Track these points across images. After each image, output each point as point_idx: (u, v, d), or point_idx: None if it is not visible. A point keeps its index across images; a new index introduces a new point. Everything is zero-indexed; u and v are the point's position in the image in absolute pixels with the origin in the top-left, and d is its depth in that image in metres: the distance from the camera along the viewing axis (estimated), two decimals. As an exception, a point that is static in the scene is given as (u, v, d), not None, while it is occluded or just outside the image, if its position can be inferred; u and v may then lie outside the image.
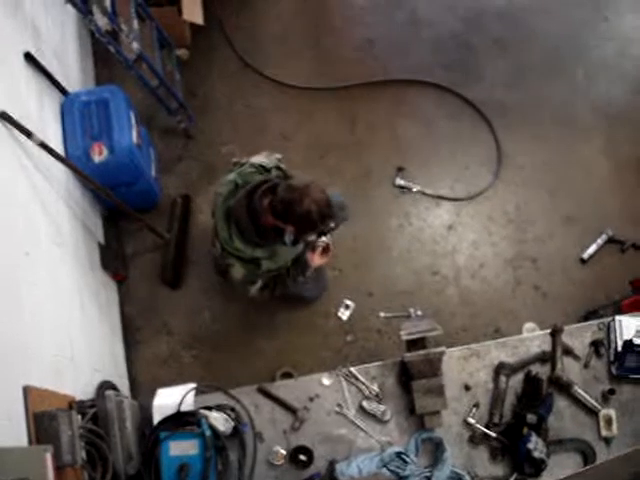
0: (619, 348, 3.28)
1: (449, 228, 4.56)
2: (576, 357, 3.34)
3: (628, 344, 3.27)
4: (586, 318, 4.19)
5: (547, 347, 3.32)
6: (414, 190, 4.59)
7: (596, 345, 3.37)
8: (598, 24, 5.28)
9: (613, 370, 3.30)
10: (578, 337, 3.39)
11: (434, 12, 5.14)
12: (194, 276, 4.29)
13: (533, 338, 3.40)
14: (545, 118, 4.90)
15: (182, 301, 4.24)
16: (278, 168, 3.27)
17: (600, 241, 4.52)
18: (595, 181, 4.72)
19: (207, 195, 4.39)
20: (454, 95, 4.89)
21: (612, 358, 3.31)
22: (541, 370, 3.26)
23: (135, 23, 3.78)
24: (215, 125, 4.64)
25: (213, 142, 4.58)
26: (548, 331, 3.36)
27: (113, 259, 4.07)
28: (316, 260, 3.43)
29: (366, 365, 3.28)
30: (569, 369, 3.28)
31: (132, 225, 4.27)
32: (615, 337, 3.32)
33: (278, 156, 3.36)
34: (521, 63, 5.04)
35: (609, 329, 3.38)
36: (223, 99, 4.72)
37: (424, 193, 4.60)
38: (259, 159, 3.22)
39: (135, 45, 3.67)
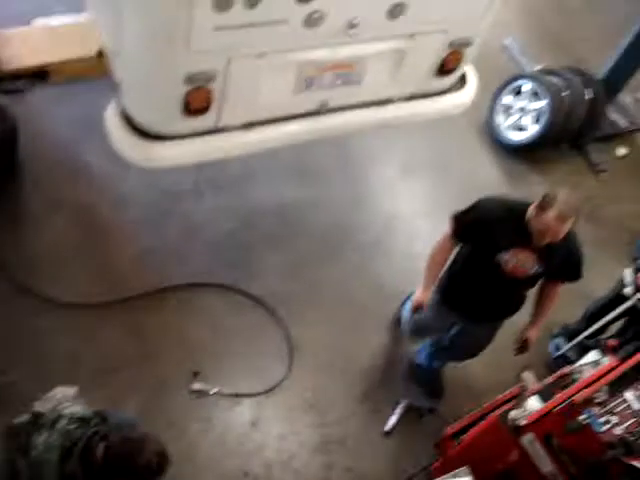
0: None
1: (253, 425, 4.49)
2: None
3: None
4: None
5: (369, 529, 3.31)
6: (212, 392, 4.51)
7: (414, 517, 3.40)
8: (360, 209, 5.75)
9: None
10: (396, 512, 3.41)
11: (207, 216, 5.32)
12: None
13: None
14: (328, 302, 5.13)
15: None
16: (96, 413, 3.18)
17: (399, 410, 4.66)
18: (379, 355, 4.94)
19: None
20: (238, 292, 5.00)
21: None
22: None
23: None
24: (-9, 357, 4.36)
25: (-9, 375, 4.28)
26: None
27: None
28: None
29: None
30: None
31: None
32: None
33: (71, 391, 3.29)
34: (298, 253, 5.30)
35: None
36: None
37: (223, 394, 4.54)
38: (73, 410, 3.13)
39: None
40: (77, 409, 3.15)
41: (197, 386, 4.51)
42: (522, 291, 4.03)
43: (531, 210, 3.55)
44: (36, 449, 2.98)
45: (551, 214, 3.40)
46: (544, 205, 3.45)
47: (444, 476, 3.56)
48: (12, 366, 4.32)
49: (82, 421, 3.08)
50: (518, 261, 3.69)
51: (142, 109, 3.77)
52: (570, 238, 3.69)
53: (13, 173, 5.11)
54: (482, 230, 3.75)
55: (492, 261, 3.72)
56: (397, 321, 5.00)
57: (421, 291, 4.02)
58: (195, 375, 4.54)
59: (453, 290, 4.08)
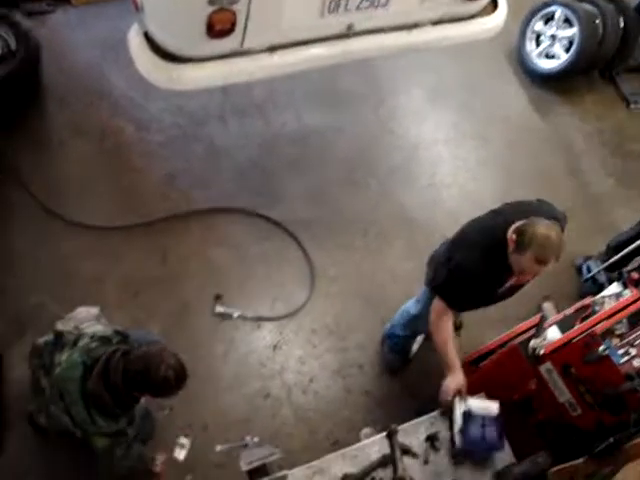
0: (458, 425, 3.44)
1: (274, 348, 4.57)
2: (414, 455, 3.40)
3: (467, 414, 3.44)
4: (418, 414, 4.29)
5: (386, 450, 3.36)
6: (235, 315, 4.58)
7: (432, 439, 3.47)
8: (384, 136, 5.70)
9: (458, 444, 3.44)
10: (413, 435, 3.48)
11: (231, 141, 5.31)
12: (14, 438, 3.94)
13: (371, 444, 3.44)
14: (350, 229, 5.14)
15: (3, 466, 3.86)
16: (117, 332, 3.29)
17: (419, 339, 4.68)
18: (402, 283, 4.93)
19: (19, 349, 4.11)
20: (260, 217, 5.02)
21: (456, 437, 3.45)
22: (384, 474, 3.29)
23: None
24: (20, 276, 4.42)
25: (19, 295, 4.35)
26: (384, 434, 3.42)
27: None
28: None
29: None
30: (410, 468, 3.32)
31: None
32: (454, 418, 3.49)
33: (94, 311, 3.35)
34: (321, 180, 5.30)
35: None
36: (26, 248, 4.53)
37: (245, 317, 4.61)
38: (95, 329, 3.19)
39: None
40: (99, 328, 3.22)
41: (220, 309, 4.57)
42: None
43: (509, 241, 3.20)
44: (59, 366, 3.06)
45: (527, 256, 3.09)
46: (519, 245, 3.12)
47: (473, 398, 3.60)
48: (39, 287, 4.40)
49: (104, 339, 3.15)
50: (517, 279, 3.45)
51: (166, 32, 3.71)
52: None
53: (37, 95, 5.10)
54: (474, 289, 3.42)
55: (495, 293, 3.54)
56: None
57: (455, 375, 3.57)
58: (218, 298, 4.61)
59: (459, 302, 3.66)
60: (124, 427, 3.20)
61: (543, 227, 3.09)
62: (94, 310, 3.47)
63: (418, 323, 4.14)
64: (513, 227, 3.20)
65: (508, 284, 3.49)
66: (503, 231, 3.24)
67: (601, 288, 4.74)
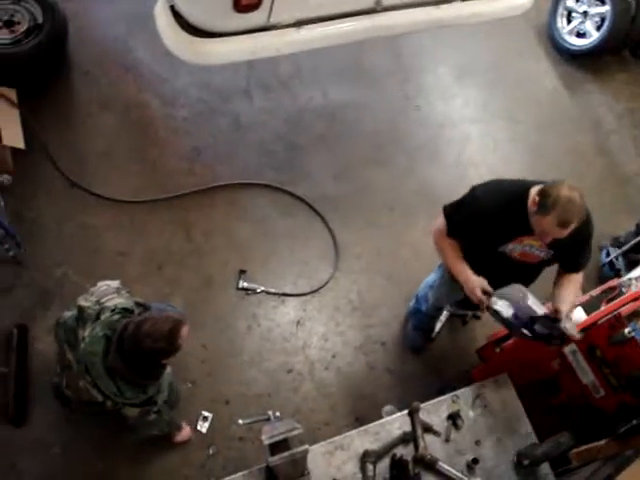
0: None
1: (297, 324, 4.59)
2: (436, 433, 3.41)
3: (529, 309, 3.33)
4: (440, 392, 4.29)
5: (407, 427, 3.37)
6: (258, 291, 4.60)
7: (453, 418, 3.47)
8: (411, 113, 5.66)
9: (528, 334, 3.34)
10: (435, 413, 3.49)
11: (256, 117, 5.29)
12: (39, 409, 4.00)
13: (393, 421, 3.44)
14: (374, 206, 5.12)
15: (29, 438, 3.93)
16: (138, 304, 3.33)
17: (443, 318, 4.68)
18: (424, 258, 4.85)
19: (43, 322, 4.18)
20: (285, 193, 5.01)
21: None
22: (405, 452, 3.30)
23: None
24: (46, 249, 4.46)
25: (45, 266, 4.39)
26: (406, 411, 3.43)
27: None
28: None
29: (232, 477, 3.18)
30: (431, 446, 3.34)
31: (-36, 364, 3.98)
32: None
33: (114, 284, 3.38)
34: (346, 156, 5.27)
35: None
36: (52, 221, 4.56)
37: (268, 292, 4.62)
38: (116, 301, 3.21)
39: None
40: (120, 301, 3.23)
41: (243, 284, 4.59)
42: (539, 271, 3.70)
43: (531, 203, 3.16)
44: (84, 342, 3.09)
45: (550, 219, 3.04)
46: (542, 207, 3.07)
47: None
48: (64, 261, 4.44)
49: (125, 311, 3.17)
50: (524, 247, 3.39)
51: (192, 6, 3.69)
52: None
53: (63, 68, 5.11)
54: (477, 225, 3.37)
55: (495, 251, 3.43)
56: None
57: (469, 280, 3.47)
58: (242, 273, 4.62)
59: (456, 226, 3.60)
60: (153, 396, 3.25)
61: (566, 189, 3.06)
62: (115, 283, 3.49)
63: (433, 295, 4.18)
64: (536, 189, 3.18)
65: (510, 246, 3.40)
66: (524, 192, 3.24)
67: (618, 274, 4.69)
